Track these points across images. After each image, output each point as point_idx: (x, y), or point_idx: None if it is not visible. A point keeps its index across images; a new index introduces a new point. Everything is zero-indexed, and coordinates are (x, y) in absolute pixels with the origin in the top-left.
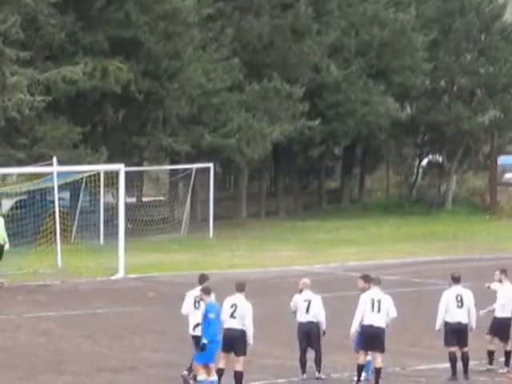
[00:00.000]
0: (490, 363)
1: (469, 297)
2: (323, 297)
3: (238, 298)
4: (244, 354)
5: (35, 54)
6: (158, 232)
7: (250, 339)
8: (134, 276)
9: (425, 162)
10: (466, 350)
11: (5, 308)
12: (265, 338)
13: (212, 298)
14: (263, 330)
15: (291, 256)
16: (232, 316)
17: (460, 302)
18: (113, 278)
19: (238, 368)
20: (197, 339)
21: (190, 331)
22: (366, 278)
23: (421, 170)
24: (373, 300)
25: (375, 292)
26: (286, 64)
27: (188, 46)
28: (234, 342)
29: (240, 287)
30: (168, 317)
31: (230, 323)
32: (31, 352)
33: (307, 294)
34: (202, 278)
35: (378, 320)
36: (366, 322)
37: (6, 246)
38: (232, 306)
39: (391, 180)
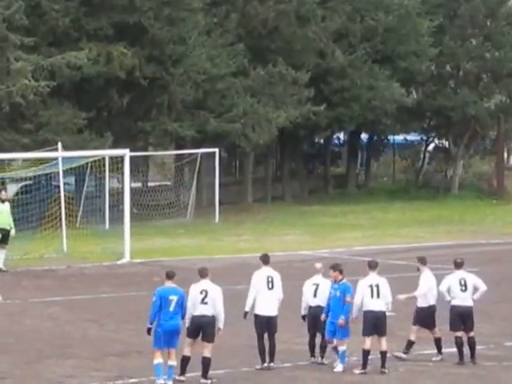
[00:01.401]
0: (406, 352)
1: (472, 280)
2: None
3: (206, 284)
4: (213, 340)
5: (39, 40)
6: (164, 217)
7: (221, 323)
8: (139, 261)
9: (431, 146)
10: (472, 334)
11: (10, 293)
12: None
13: (170, 283)
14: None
15: (297, 241)
16: (203, 302)
17: (464, 286)
18: (118, 262)
19: (207, 354)
20: (263, 319)
21: (258, 311)
22: (336, 267)
23: (427, 155)
24: (371, 286)
25: (372, 277)
26: (291, 49)
27: (192, 31)
28: (204, 328)
29: (204, 272)
30: None
31: (201, 309)
32: (37, 336)
33: (317, 278)
34: (266, 258)
35: (378, 305)
36: (367, 308)
37: (12, 232)
38: (202, 292)
39: (397, 165)
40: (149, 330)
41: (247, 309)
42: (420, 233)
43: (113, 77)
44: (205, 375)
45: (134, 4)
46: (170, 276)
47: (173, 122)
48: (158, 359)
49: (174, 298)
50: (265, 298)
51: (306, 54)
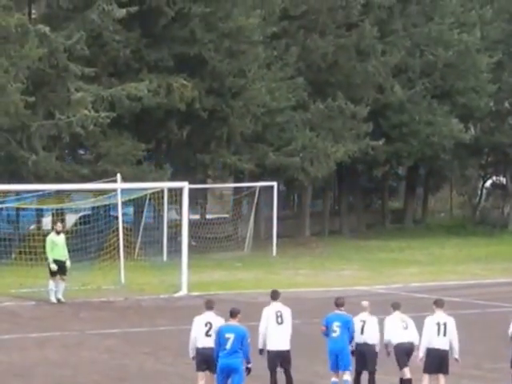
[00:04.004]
0: None
1: None
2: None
3: (211, 316)
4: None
5: (100, 71)
6: (222, 249)
7: None
8: (196, 293)
9: (488, 183)
10: None
11: (68, 324)
12: (323, 360)
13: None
14: (321, 351)
15: (354, 275)
16: (207, 334)
17: None
18: (175, 295)
19: None
20: (274, 353)
21: (269, 347)
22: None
23: (484, 191)
24: (438, 324)
25: (439, 315)
26: (350, 83)
27: (252, 64)
28: (210, 361)
29: (209, 305)
30: None
31: (205, 342)
32: (94, 369)
33: (363, 315)
34: (274, 294)
35: (443, 343)
36: (433, 346)
37: (67, 263)
38: (206, 325)
39: (455, 201)
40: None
41: (260, 346)
42: (477, 269)
43: (173, 108)
44: None
45: (194, 36)
46: (231, 313)
47: (232, 155)
48: None
49: (230, 336)
50: (274, 333)
51: (365, 88)
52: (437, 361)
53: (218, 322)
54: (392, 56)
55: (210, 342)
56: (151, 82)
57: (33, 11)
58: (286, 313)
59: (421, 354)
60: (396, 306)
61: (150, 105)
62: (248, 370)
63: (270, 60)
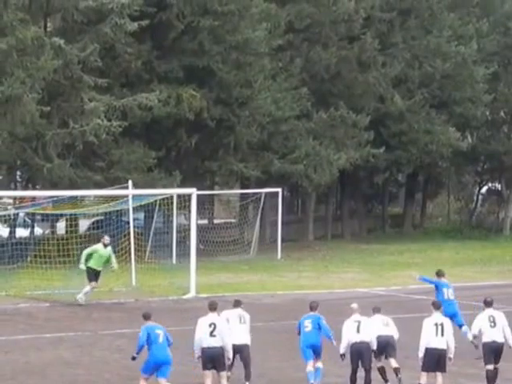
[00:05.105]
0: None
1: (501, 317)
2: None
3: (214, 317)
4: (225, 369)
5: (112, 81)
6: (229, 253)
7: (230, 354)
8: (204, 295)
9: (484, 189)
10: (496, 366)
11: (81, 325)
12: (326, 358)
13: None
14: (324, 350)
15: (355, 278)
16: (212, 335)
17: (493, 323)
18: (184, 297)
19: (225, 383)
20: (236, 347)
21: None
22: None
23: (480, 197)
24: (436, 324)
25: (437, 316)
26: (352, 94)
27: (258, 75)
28: (215, 360)
29: (213, 306)
30: None
31: (209, 342)
32: (106, 368)
33: (356, 316)
34: (237, 302)
35: (441, 343)
36: (431, 346)
37: (115, 266)
38: (211, 325)
39: (452, 206)
40: (133, 358)
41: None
42: (472, 272)
43: (182, 118)
44: None
45: (203, 48)
46: (146, 317)
47: (238, 163)
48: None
49: (160, 332)
50: (238, 331)
51: (366, 98)
52: (435, 359)
53: (221, 322)
54: (392, 67)
55: (214, 342)
56: (161, 92)
57: (48, 24)
58: (247, 316)
59: (420, 354)
60: (376, 310)
61: (160, 114)
62: None
63: (275, 71)
